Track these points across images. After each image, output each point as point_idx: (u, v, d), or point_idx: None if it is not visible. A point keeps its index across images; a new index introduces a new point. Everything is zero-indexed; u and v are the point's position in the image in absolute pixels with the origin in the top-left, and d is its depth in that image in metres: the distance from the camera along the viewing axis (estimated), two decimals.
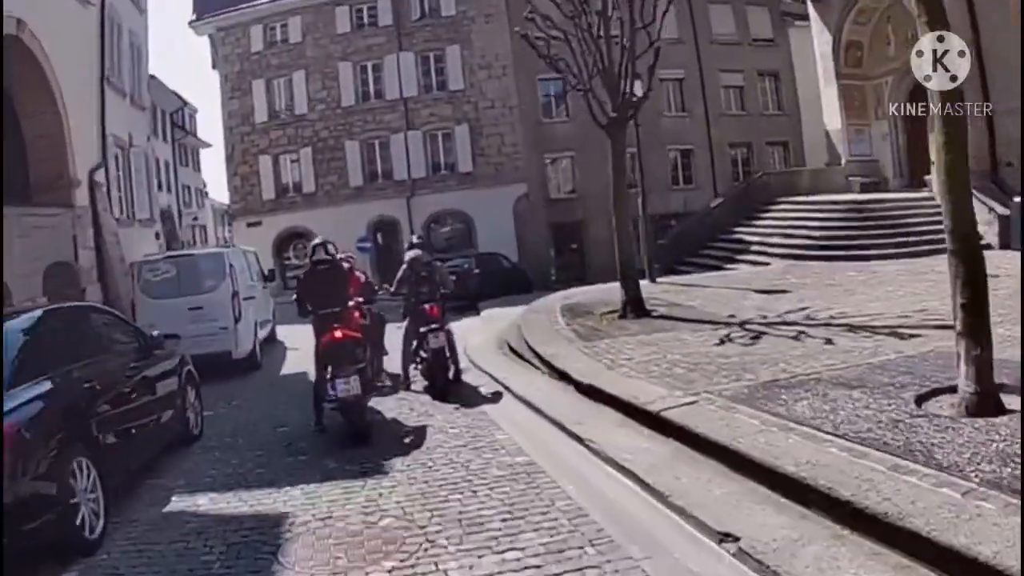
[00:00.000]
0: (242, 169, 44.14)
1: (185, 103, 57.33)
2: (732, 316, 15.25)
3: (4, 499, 5.99)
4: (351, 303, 11.93)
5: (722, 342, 12.97)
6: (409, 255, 14.04)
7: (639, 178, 42.55)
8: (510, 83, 42.20)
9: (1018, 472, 5.83)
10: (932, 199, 25.54)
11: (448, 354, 13.10)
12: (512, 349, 15.96)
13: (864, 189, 31.32)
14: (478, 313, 25.93)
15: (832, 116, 34.40)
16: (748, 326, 14.10)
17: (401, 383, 13.66)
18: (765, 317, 14.79)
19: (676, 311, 16.63)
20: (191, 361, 12.11)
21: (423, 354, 13.23)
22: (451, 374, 13.23)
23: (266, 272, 22.53)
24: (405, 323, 14.02)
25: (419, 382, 13.71)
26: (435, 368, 12.97)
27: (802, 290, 18.16)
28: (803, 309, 15.18)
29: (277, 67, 44.09)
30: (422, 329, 13.12)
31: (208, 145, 64.85)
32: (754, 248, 29.10)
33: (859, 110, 33.64)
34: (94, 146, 23.66)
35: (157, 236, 32.63)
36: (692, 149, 44.79)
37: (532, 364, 14.05)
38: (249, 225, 43.14)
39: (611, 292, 18.90)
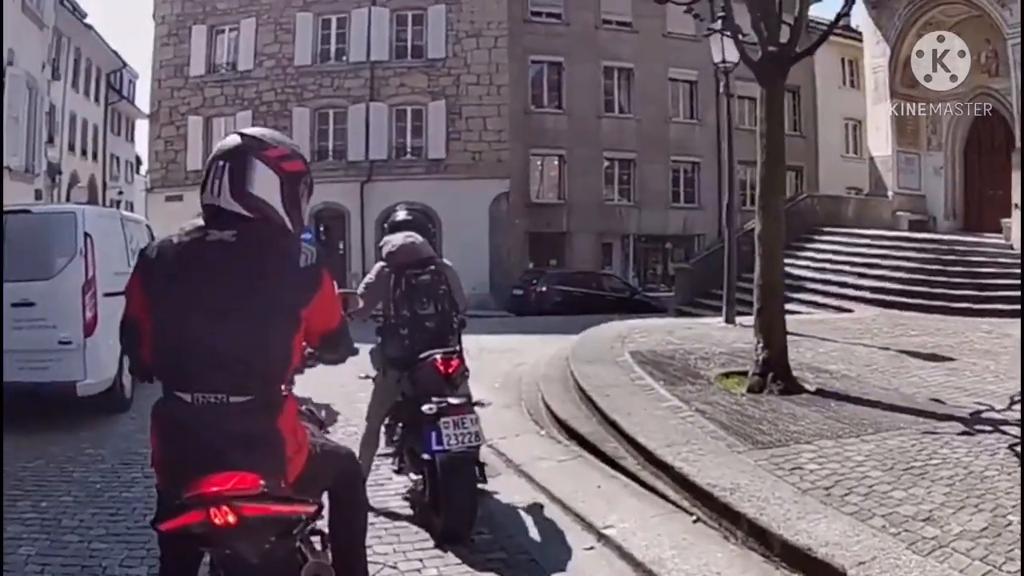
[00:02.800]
0: (167, 131, 37.87)
1: (125, 64, 53.01)
2: (937, 401, 10.28)
3: None
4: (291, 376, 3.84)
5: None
6: (394, 241, 7.13)
7: (635, 190, 39.46)
8: (502, 57, 36.07)
9: None
10: (1010, 248, 22.98)
11: (476, 462, 6.66)
12: (557, 419, 10.36)
13: (912, 227, 28.04)
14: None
15: (880, 141, 31.02)
16: (1004, 428, 8.76)
17: None
18: (990, 407, 9.88)
19: (834, 383, 11.22)
20: None
21: (425, 456, 6.47)
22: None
23: None
24: (375, 378, 7.40)
25: (391, 494, 7.53)
26: (453, 490, 6.36)
27: (964, 356, 13.80)
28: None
29: (223, 12, 37.48)
30: (427, 407, 6.35)
31: (146, 116, 57.91)
32: (812, 287, 24.42)
33: (911, 137, 30.15)
34: None
35: (38, 196, 25.79)
36: (699, 163, 40.08)
37: (631, 472, 8.10)
38: (168, 200, 36.42)
39: (672, 329, 16.42)
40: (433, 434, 6.30)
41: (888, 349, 14.35)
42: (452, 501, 6.32)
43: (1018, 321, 17.15)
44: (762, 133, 11.38)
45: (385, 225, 7.77)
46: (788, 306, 23.41)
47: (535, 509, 7.31)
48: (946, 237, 25.74)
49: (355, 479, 4.23)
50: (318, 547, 3.99)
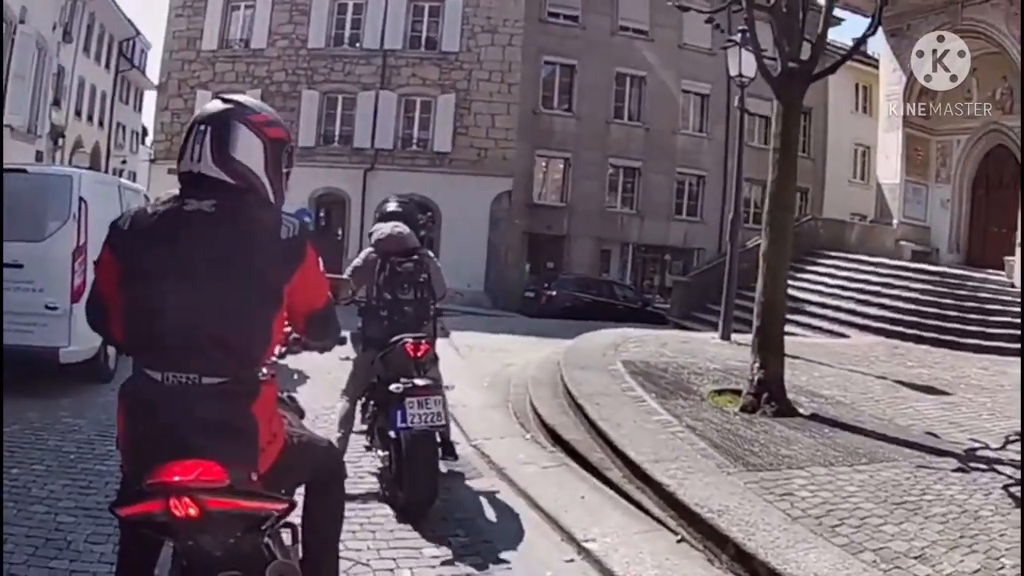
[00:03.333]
0: (174, 103, 36.94)
1: (138, 33, 52.04)
2: (932, 435, 10.03)
3: None
4: (272, 358, 3.76)
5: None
6: (383, 230, 7.66)
7: (638, 199, 39.23)
8: (515, 55, 35.56)
9: None
10: (1012, 286, 22.80)
11: (437, 440, 7.17)
12: (544, 424, 10.07)
13: (916, 257, 27.70)
14: (446, 335, 18.62)
15: (888, 169, 30.65)
16: (999, 468, 8.55)
17: None
18: (985, 445, 9.63)
19: (828, 409, 10.94)
20: None
21: (391, 434, 6.87)
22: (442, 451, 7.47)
23: None
24: (355, 358, 7.79)
25: (365, 472, 7.82)
26: (415, 466, 6.73)
27: (960, 391, 13.61)
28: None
29: None
30: (395, 386, 6.79)
31: (155, 87, 57.80)
32: (810, 310, 24.04)
33: (920, 167, 29.90)
34: None
35: (39, 157, 25.50)
36: (704, 176, 39.78)
37: (616, 485, 7.92)
38: (171, 172, 34.36)
39: (666, 341, 16.00)
40: (398, 412, 6.64)
41: (885, 378, 14.13)
42: (414, 476, 6.64)
43: (1017, 359, 17.10)
44: (775, 149, 11.10)
45: (376, 213, 8.32)
46: (786, 327, 23.52)
47: (515, 515, 7.13)
48: (949, 270, 25.55)
49: (333, 475, 3.99)
50: (288, 541, 3.74)
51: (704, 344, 16.22)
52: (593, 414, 9.36)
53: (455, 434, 8.54)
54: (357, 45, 36.24)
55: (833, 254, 28.47)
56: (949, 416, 11.30)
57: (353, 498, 6.54)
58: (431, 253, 7.94)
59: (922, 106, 28.32)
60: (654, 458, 7.76)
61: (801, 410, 10.41)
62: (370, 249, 7.67)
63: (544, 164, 37.93)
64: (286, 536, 3.74)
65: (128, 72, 53.30)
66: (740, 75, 17.15)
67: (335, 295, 4.21)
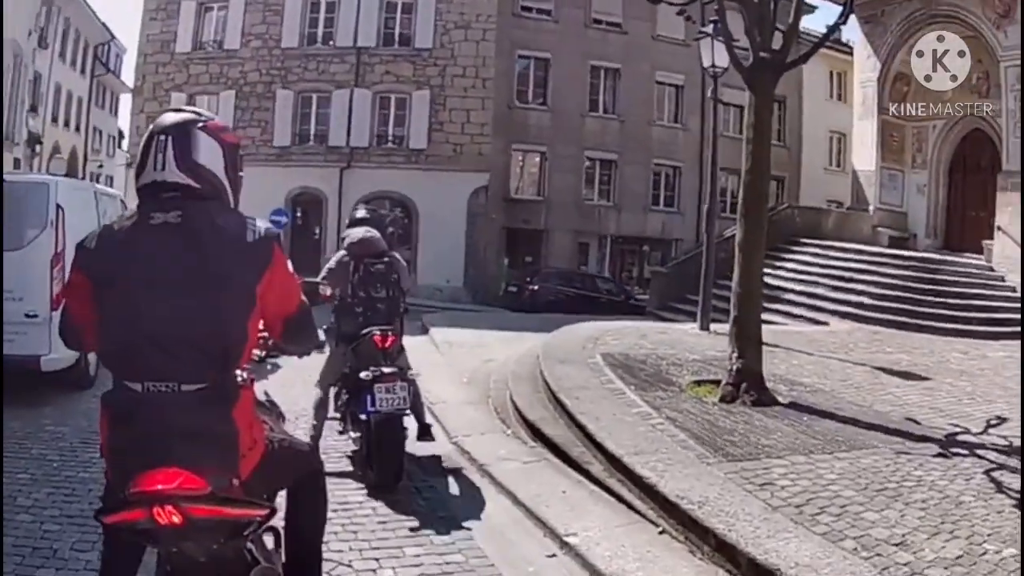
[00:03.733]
0: (150, 106, 36.43)
1: (113, 37, 52.19)
2: (912, 421, 10.04)
3: None
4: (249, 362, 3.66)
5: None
6: (353, 235, 8.37)
7: (615, 191, 39.28)
8: (489, 50, 35.49)
9: None
10: (991, 269, 23.13)
11: (403, 423, 7.85)
12: (525, 420, 10.11)
13: (893, 243, 27.72)
14: (426, 332, 18.83)
15: (864, 156, 30.54)
16: (980, 453, 8.50)
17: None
18: (966, 430, 9.65)
19: (807, 397, 10.96)
20: None
21: (362, 417, 7.66)
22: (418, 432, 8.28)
23: None
24: (329, 351, 8.28)
25: (339, 455, 8.40)
26: (383, 446, 7.52)
27: (940, 375, 13.59)
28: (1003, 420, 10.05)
29: None
30: (364, 374, 7.52)
31: (130, 90, 57.58)
32: (788, 298, 23.95)
33: (896, 153, 29.85)
34: None
35: (16, 164, 25.34)
36: (680, 167, 39.77)
37: (597, 479, 7.97)
38: None
39: (645, 333, 15.86)
40: (368, 398, 7.36)
41: (864, 365, 14.14)
42: (382, 455, 7.39)
43: (996, 343, 17.48)
44: (749, 140, 11.10)
45: (347, 220, 9.10)
46: (763, 316, 23.40)
47: (497, 512, 7.17)
48: (927, 255, 25.67)
49: (315, 479, 4.03)
50: (271, 545, 3.82)
51: (683, 335, 16.24)
52: (573, 408, 9.35)
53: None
54: (331, 43, 36.06)
55: (810, 242, 28.41)
56: (929, 401, 11.31)
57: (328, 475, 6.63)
58: (397, 255, 8.62)
59: (898, 92, 28.49)
60: (634, 451, 7.76)
61: (780, 399, 10.40)
62: (343, 252, 8.23)
63: (520, 158, 37.91)
64: (268, 540, 3.78)
65: (103, 76, 53.10)
66: (713, 66, 17.19)
67: (310, 299, 4.12)
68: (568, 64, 36.98)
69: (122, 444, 3.15)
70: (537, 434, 9.45)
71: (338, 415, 8.38)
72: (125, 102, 56.16)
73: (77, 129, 47.57)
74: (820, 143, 43.06)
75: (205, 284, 3.18)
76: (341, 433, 8.34)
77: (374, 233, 8.31)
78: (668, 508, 6.70)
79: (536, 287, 32.23)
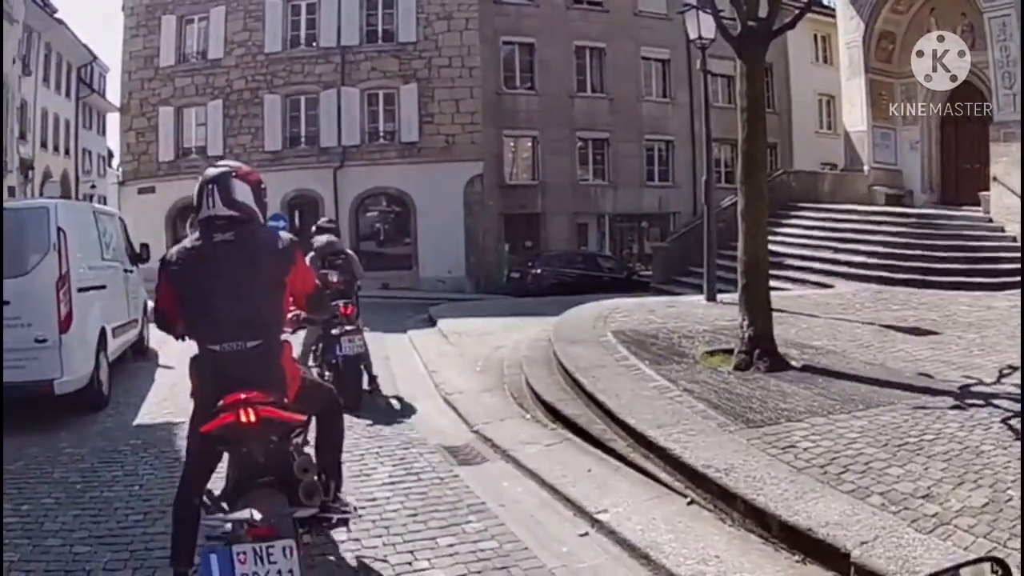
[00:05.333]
0: (138, 123, 37.06)
1: (95, 57, 52.16)
2: (925, 375, 10.10)
3: None
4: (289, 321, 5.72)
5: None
6: (319, 240, 11.86)
7: (609, 169, 39.19)
8: (473, 39, 35.28)
9: None
10: (989, 220, 23.23)
11: (360, 361, 11.30)
12: (543, 402, 10.18)
13: (889, 201, 27.86)
14: (433, 324, 18.80)
15: (855, 115, 30.49)
16: (995, 402, 8.55)
17: None
18: (979, 380, 9.71)
19: (820, 359, 10.97)
20: None
21: (333, 360, 10.93)
22: (366, 383, 11.49)
23: (137, 249, 15.16)
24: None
25: (378, 487, 8.55)
26: (348, 378, 10.68)
27: (948, 329, 13.57)
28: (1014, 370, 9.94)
29: (192, 1, 36.59)
30: (335, 331, 10.81)
31: (116, 109, 57.36)
32: (791, 263, 23.74)
33: (885, 111, 29.59)
34: None
35: (11, 192, 25.27)
36: (672, 141, 39.60)
37: (621, 455, 8.01)
38: (141, 192, 36.27)
39: (653, 308, 16.07)
40: (337, 346, 10.68)
41: (872, 324, 14.12)
42: (348, 384, 10.23)
43: (999, 294, 17.44)
44: (743, 108, 11.05)
45: (314, 228, 12.33)
46: (770, 283, 23.52)
47: (525, 495, 7.20)
48: (924, 211, 25.64)
49: (336, 409, 5.70)
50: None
51: (691, 307, 16.24)
52: (590, 387, 9.37)
53: (455, 421, 10.09)
54: (314, 45, 35.94)
55: (808, 206, 28.48)
56: (940, 355, 11.30)
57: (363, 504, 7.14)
58: (351, 252, 12.46)
59: (883, 50, 28.75)
60: (656, 424, 7.79)
61: (793, 363, 10.42)
62: (312, 253, 11.10)
63: (512, 144, 37.69)
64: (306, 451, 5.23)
65: (88, 97, 52.97)
66: (700, 38, 17.14)
67: (324, 285, 6.90)
68: (553, 47, 36.79)
69: (211, 385, 4.68)
70: (556, 416, 9.46)
71: (315, 365, 11.15)
72: (112, 121, 56.03)
73: (67, 152, 47.57)
74: (809, 107, 42.88)
75: (253, 279, 4.79)
76: (319, 375, 10.35)
77: (333, 238, 11.93)
78: (695, 478, 6.73)
79: (538, 271, 32.15)
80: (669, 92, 39.38)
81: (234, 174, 4.93)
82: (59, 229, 10.34)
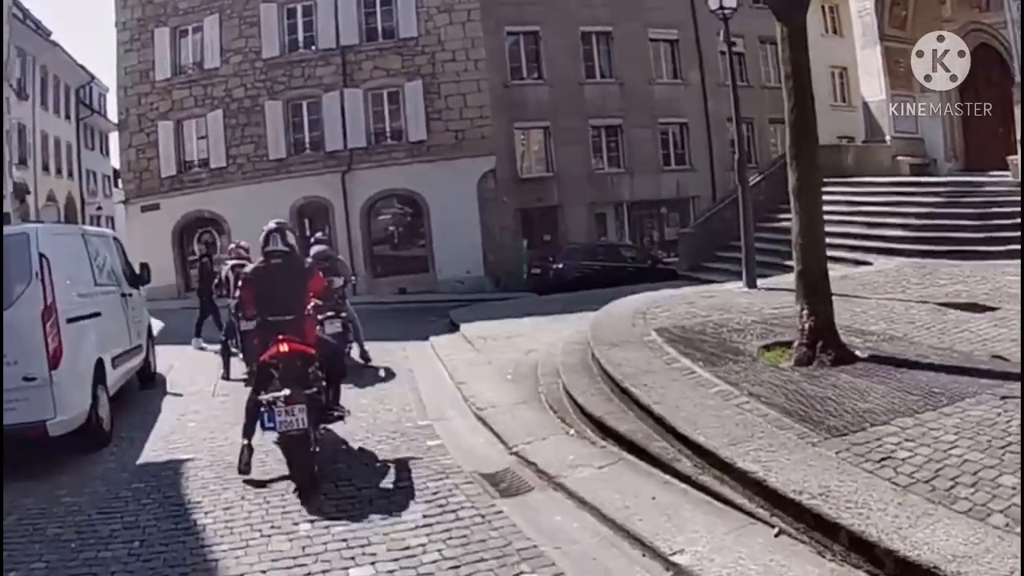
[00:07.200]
0: (137, 139, 36.18)
1: (93, 77, 51.81)
2: (1000, 358, 9.40)
3: None
4: (309, 308, 9.48)
5: None
6: (314, 250, 14.67)
7: (624, 156, 38.32)
8: (476, 31, 34.35)
9: None
10: (1020, 185, 21.45)
11: (351, 337, 14.57)
12: (588, 416, 9.14)
13: (914, 171, 27.12)
14: (455, 328, 18.03)
15: (872, 86, 29.62)
16: None
17: None
18: None
19: (884, 347, 10.16)
20: None
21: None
22: (359, 355, 14.67)
23: (136, 270, 14.38)
24: None
25: None
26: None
27: (1005, 303, 12.57)
28: None
29: (185, 11, 35.72)
30: (320, 316, 12.01)
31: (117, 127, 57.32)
32: (826, 241, 21.74)
33: (904, 79, 27.94)
34: None
35: (7, 219, 24.31)
36: (687, 123, 38.68)
37: (687, 476, 7.05)
38: (144, 209, 35.47)
39: (692, 299, 14.99)
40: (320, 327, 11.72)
41: (925, 302, 13.31)
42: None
43: None
44: (787, 75, 10.32)
45: (312, 240, 15.75)
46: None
47: (582, 532, 6.36)
48: (953, 179, 24.88)
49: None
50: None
51: (731, 296, 15.27)
52: (644, 398, 8.40)
53: (490, 442, 9.26)
54: (313, 47, 35.07)
55: (833, 180, 26.32)
56: (1006, 333, 10.59)
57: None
58: (340, 257, 16.86)
59: (897, 17, 27.91)
60: (728, 440, 6.88)
61: (858, 353, 9.57)
62: (310, 259, 12.42)
63: (524, 136, 36.85)
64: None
65: (89, 118, 52.63)
66: (722, 7, 16.25)
67: (331, 285, 12.42)
68: (558, 34, 35.87)
69: (268, 337, 8.38)
70: (605, 431, 8.54)
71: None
72: (115, 141, 55.80)
73: (70, 175, 47.30)
74: (822, 80, 41.60)
75: (293, 283, 8.78)
76: None
77: (325, 248, 15.21)
78: (783, 504, 5.84)
79: (560, 265, 31.41)
80: (680, 73, 38.49)
81: (287, 226, 9.22)
82: (41, 255, 9.44)
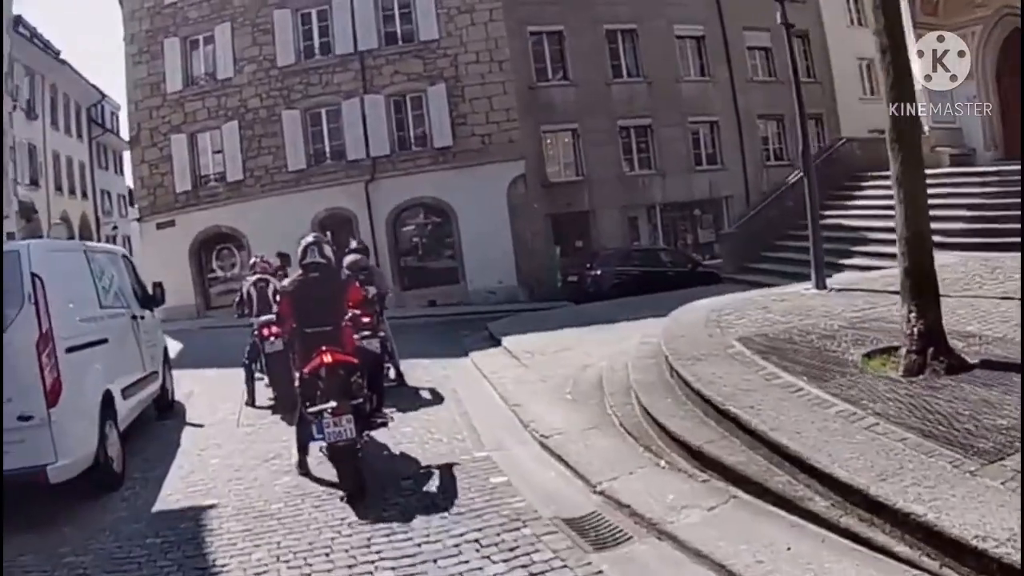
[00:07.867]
0: (150, 154, 35.06)
1: (104, 96, 51.01)
2: None
3: None
4: (347, 319, 9.86)
5: None
6: (348, 260, 14.13)
7: (655, 157, 37.14)
8: (499, 31, 33.24)
9: None
10: None
11: (387, 358, 13.65)
12: (684, 445, 7.82)
13: (954, 162, 26.20)
14: (497, 342, 16.93)
15: None
16: None
17: None
18: None
19: (992, 350, 9.10)
20: None
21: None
22: (392, 375, 13.97)
23: (150, 290, 13.27)
24: None
25: None
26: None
27: None
28: None
29: (195, 21, 34.61)
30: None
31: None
32: (877, 238, 22.23)
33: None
34: None
35: (12, 237, 23.53)
36: (717, 121, 37.40)
37: (823, 518, 5.82)
38: (160, 226, 34.47)
39: (763, 304, 13.56)
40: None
41: (1011, 298, 12.13)
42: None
43: None
44: (883, 48, 9.10)
45: (346, 249, 14.45)
46: (854, 261, 22.39)
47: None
48: (1000, 168, 23.87)
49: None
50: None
51: (803, 299, 14.03)
52: (755, 423, 7.07)
53: (565, 477, 8.00)
54: (330, 53, 33.92)
55: (876, 174, 26.62)
56: None
57: None
58: (377, 267, 17.01)
59: (928, 3, 26.50)
60: (876, 474, 5.62)
61: (968, 359, 8.47)
62: (346, 270, 13.05)
63: (551, 140, 35.66)
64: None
65: (101, 137, 52.10)
66: None
67: (366, 295, 11.91)
68: (582, 33, 34.76)
69: (309, 349, 8.90)
70: (706, 462, 7.25)
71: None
72: (129, 159, 55.41)
73: (84, 195, 46.75)
74: (850, 73, 40.61)
75: (330, 294, 9.38)
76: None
77: (360, 258, 14.19)
78: (960, 553, 4.71)
79: (597, 272, 30.13)
80: (708, 70, 37.32)
81: (324, 240, 9.75)
82: (34, 276, 8.20)
